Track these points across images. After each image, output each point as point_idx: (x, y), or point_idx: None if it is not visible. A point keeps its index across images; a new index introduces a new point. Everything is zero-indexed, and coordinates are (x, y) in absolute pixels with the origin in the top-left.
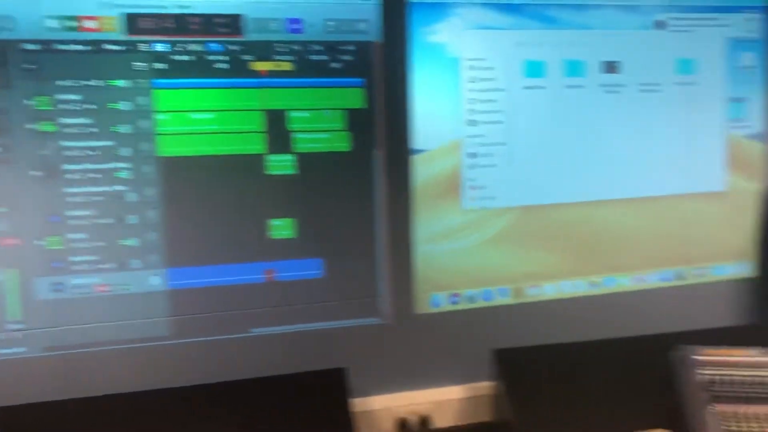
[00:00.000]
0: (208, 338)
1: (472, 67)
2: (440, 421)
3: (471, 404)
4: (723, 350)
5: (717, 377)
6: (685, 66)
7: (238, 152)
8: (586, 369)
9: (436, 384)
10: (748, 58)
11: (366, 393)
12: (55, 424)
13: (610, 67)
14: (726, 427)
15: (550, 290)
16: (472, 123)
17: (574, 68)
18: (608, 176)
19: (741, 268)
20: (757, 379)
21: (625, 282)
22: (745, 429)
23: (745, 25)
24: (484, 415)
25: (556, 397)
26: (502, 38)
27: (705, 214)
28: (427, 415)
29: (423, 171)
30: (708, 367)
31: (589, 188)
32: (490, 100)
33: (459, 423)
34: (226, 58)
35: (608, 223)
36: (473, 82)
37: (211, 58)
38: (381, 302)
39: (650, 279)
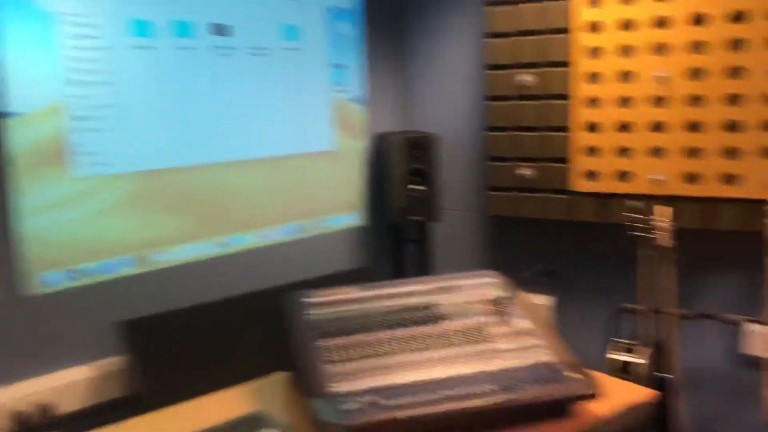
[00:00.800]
0: None
1: (70, 23)
2: (68, 406)
3: (100, 382)
4: (328, 291)
5: (323, 315)
6: (290, 32)
7: None
8: (213, 328)
9: (58, 368)
10: (346, 28)
11: None
12: None
13: (220, 29)
14: (329, 359)
15: (178, 255)
16: (74, 83)
17: (183, 29)
18: (227, 138)
19: (352, 219)
20: (356, 312)
21: (252, 240)
22: (347, 357)
23: None
24: (116, 392)
25: (187, 361)
26: None
27: (319, 171)
28: (48, 403)
29: (20, 136)
30: (315, 308)
31: (208, 150)
32: (93, 59)
33: (89, 404)
34: None
35: (230, 184)
36: (73, 39)
37: None
38: None
39: (275, 235)
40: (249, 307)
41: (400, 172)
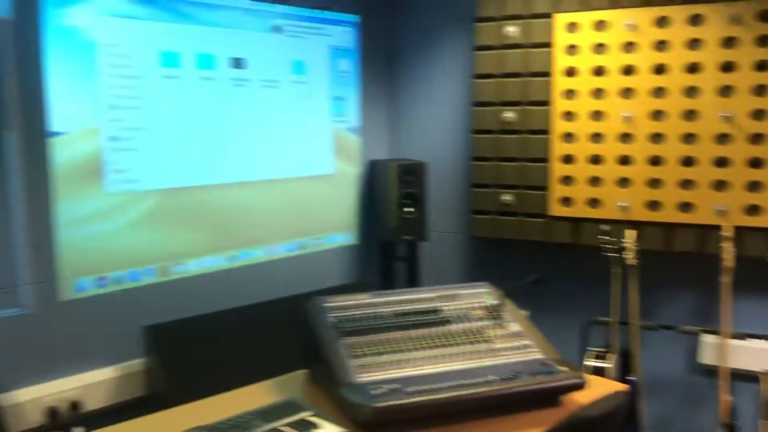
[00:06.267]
0: None
1: (109, 54)
2: (93, 403)
3: (123, 382)
4: (344, 297)
5: (343, 317)
6: (298, 67)
7: None
8: (230, 333)
9: (86, 368)
10: (345, 64)
11: (10, 388)
12: None
13: (237, 63)
14: (352, 354)
15: (194, 267)
16: (112, 107)
17: (205, 61)
18: (239, 161)
19: (346, 238)
20: (371, 315)
21: (259, 254)
22: (368, 352)
23: (342, 36)
24: (138, 391)
25: (206, 362)
26: (139, 28)
27: (318, 193)
28: (78, 400)
29: (63, 154)
30: (335, 311)
31: (223, 172)
32: (128, 86)
33: (112, 402)
34: None
35: (241, 202)
36: (111, 68)
37: None
38: (21, 291)
39: (278, 250)
40: (260, 315)
41: (393, 196)
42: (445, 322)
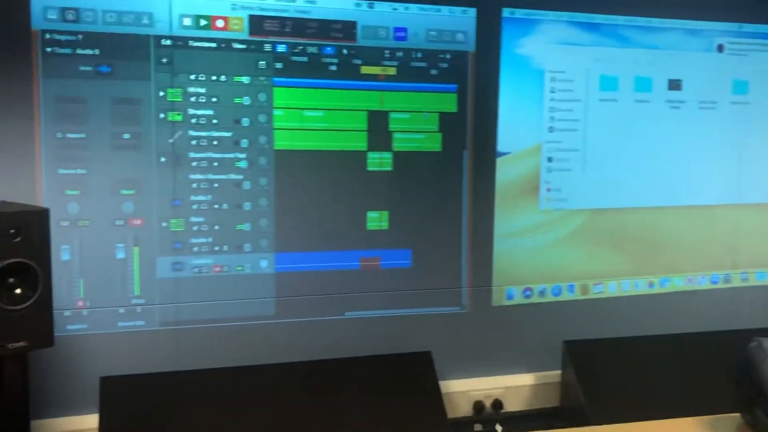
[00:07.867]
0: (308, 319)
1: (553, 79)
2: (511, 405)
3: (540, 390)
4: None
5: None
6: (740, 87)
7: (343, 149)
8: (650, 360)
9: (508, 371)
10: None
11: (446, 376)
12: (168, 394)
13: (674, 84)
14: None
15: (613, 288)
16: (551, 130)
17: (642, 84)
18: (668, 184)
19: None
20: None
21: (679, 283)
22: None
23: None
24: (552, 401)
25: (624, 385)
26: (582, 54)
27: (751, 223)
28: (499, 399)
29: (505, 172)
30: None
31: (650, 195)
32: (568, 110)
33: (528, 407)
34: (337, 60)
35: (666, 227)
36: (554, 92)
37: (325, 60)
38: (462, 293)
39: (701, 281)
40: (682, 347)
41: None
42: None
